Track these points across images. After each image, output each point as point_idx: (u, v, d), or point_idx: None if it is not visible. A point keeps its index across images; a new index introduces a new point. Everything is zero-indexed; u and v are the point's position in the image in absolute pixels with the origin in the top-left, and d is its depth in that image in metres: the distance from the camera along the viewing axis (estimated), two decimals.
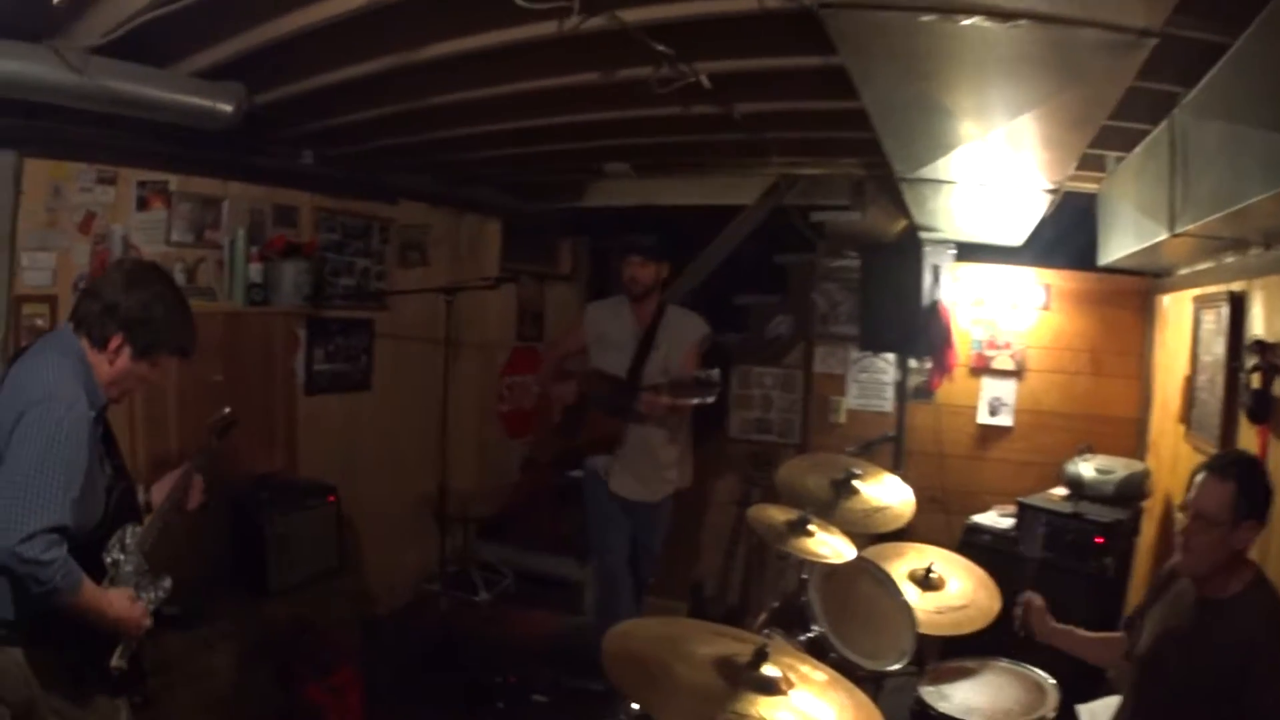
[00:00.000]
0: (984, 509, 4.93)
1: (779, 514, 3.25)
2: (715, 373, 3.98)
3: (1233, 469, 2.41)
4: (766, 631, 3.00)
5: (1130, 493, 4.54)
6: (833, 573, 3.27)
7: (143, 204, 4.19)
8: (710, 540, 6.11)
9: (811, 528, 3.18)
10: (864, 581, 3.36)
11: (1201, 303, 4.04)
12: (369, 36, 3.16)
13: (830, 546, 3.16)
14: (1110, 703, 2.97)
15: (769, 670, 2.06)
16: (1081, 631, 3.02)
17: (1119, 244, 4.02)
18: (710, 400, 4.07)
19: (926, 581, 3.44)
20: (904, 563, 3.52)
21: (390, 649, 5.15)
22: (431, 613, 5.47)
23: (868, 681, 2.89)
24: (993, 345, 5.58)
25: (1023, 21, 2.10)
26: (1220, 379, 3.62)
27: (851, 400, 5.93)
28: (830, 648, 3.04)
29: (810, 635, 3.09)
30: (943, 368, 5.27)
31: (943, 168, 3.70)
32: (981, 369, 5.61)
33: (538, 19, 2.85)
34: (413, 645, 5.22)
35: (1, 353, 3.57)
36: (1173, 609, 2.58)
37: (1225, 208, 2.48)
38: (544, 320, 7.21)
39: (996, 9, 2.10)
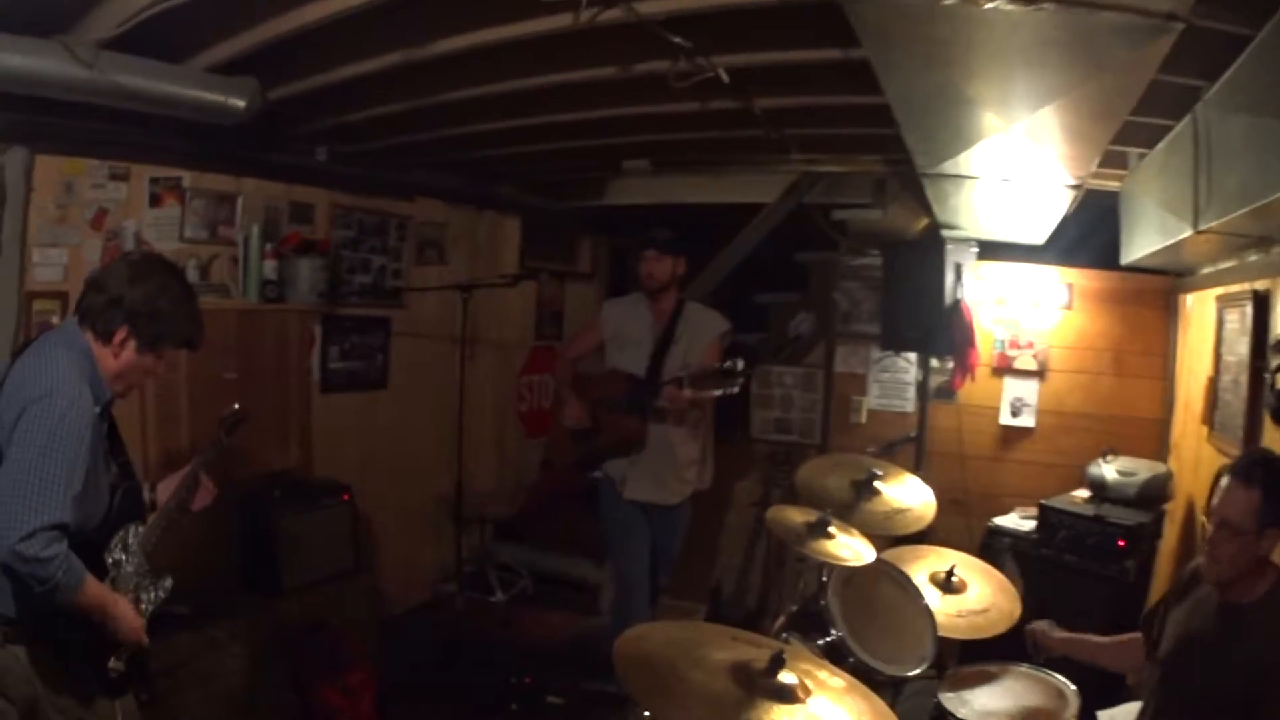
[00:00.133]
0: (1005, 511, 4.89)
1: (798, 515, 3.20)
2: (739, 362, 3.85)
3: (1259, 474, 2.35)
4: (785, 635, 2.96)
5: (1153, 495, 4.48)
6: (852, 576, 3.21)
7: (155, 200, 4.18)
8: (729, 541, 6.07)
9: (831, 529, 3.13)
10: (884, 585, 3.30)
11: (1225, 302, 3.98)
12: (382, 31, 3.14)
13: (850, 549, 3.10)
14: (1131, 708, 2.91)
15: (785, 677, 2.00)
16: (1095, 637, 2.98)
17: (1142, 242, 3.97)
18: (734, 391, 3.93)
19: (948, 585, 3.37)
20: (924, 565, 3.46)
21: (405, 649, 5.13)
22: (447, 613, 5.44)
23: (886, 687, 2.84)
24: (1015, 345, 5.53)
25: (1047, 5, 2.05)
26: (1244, 379, 3.56)
27: (873, 400, 5.89)
28: (849, 652, 2.98)
29: (829, 639, 3.03)
30: (965, 367, 5.20)
31: (965, 162, 3.67)
32: (1004, 369, 5.55)
33: (553, 12, 2.84)
34: (428, 646, 5.20)
35: (11, 349, 3.55)
36: (1196, 613, 2.54)
37: (1250, 203, 2.43)
38: (564, 319, 7.19)
39: None
